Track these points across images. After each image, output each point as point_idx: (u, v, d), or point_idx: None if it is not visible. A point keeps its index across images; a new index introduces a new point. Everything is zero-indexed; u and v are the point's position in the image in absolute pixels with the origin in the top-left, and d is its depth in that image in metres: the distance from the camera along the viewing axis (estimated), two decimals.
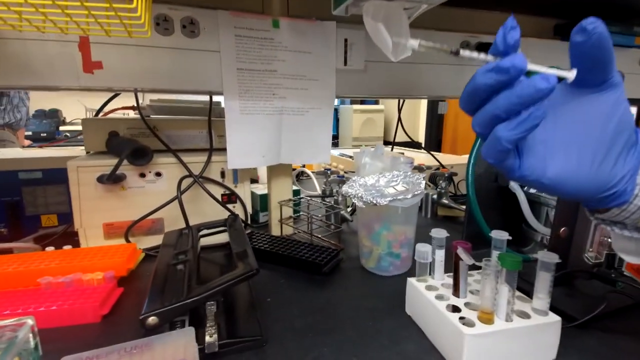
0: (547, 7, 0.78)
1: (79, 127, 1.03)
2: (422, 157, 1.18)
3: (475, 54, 0.27)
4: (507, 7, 0.77)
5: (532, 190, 0.61)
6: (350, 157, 1.25)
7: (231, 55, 0.58)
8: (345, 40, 0.66)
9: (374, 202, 0.52)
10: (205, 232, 0.57)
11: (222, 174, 0.65)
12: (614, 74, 0.27)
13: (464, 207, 0.87)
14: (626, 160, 0.27)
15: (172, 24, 0.54)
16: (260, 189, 0.84)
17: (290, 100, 0.64)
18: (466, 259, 0.37)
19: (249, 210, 0.68)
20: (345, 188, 0.57)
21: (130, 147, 0.56)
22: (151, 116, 0.74)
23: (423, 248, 0.44)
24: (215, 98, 0.69)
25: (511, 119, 0.25)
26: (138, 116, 0.65)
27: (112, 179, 0.57)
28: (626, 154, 0.27)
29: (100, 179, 0.56)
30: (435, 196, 0.88)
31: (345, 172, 1.20)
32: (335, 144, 3.07)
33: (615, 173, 0.27)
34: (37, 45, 0.50)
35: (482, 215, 0.61)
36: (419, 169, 0.93)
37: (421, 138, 3.11)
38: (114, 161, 0.57)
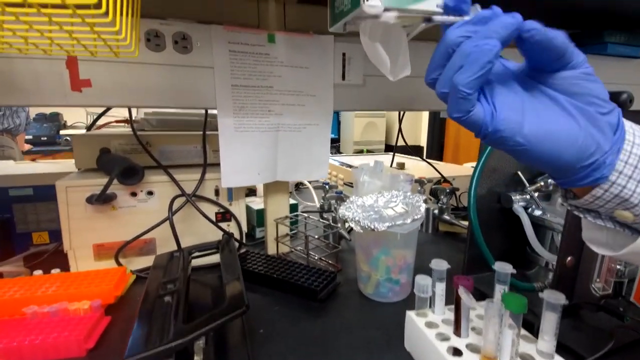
0: (554, 17, 0.76)
1: (81, 131, 1.02)
2: (423, 167, 1.16)
3: (445, 17, 0.28)
4: None
5: (536, 213, 0.58)
6: (350, 166, 1.23)
7: (225, 72, 0.56)
8: (344, 54, 0.64)
9: (372, 227, 0.50)
10: (197, 253, 0.55)
11: (217, 192, 0.63)
12: (574, 58, 0.26)
13: (465, 223, 0.85)
14: (605, 131, 0.26)
15: (163, 40, 0.53)
16: (257, 203, 0.82)
17: (286, 116, 0.62)
18: (467, 300, 0.35)
19: (244, 228, 0.66)
20: (342, 210, 0.55)
21: (120, 166, 0.55)
22: (145, 130, 0.72)
23: (423, 281, 0.42)
24: (212, 111, 0.67)
25: (465, 67, 0.25)
26: (130, 131, 0.63)
27: (102, 200, 0.55)
28: (603, 126, 0.27)
29: (90, 200, 0.55)
30: (436, 211, 0.86)
31: (344, 184, 1.19)
32: (336, 148, 3.05)
33: (595, 139, 0.26)
34: (23, 63, 0.48)
35: (485, 238, 0.59)
36: (420, 182, 0.91)
37: (423, 142, 3.09)
38: (104, 180, 0.55)
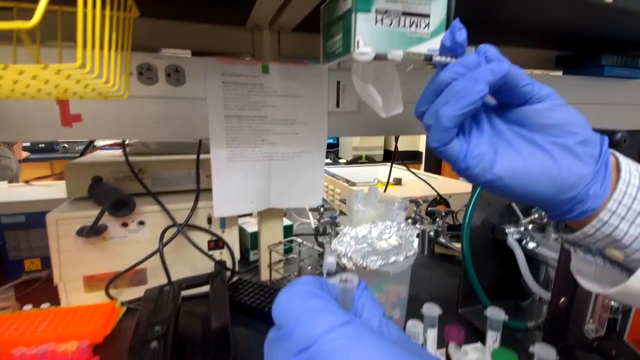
0: (548, 40, 0.76)
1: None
2: (420, 184, 1.16)
3: (441, 58, 0.30)
4: (508, 41, 0.75)
5: (531, 246, 0.58)
6: (348, 181, 1.22)
7: (218, 103, 0.55)
8: (338, 82, 0.64)
9: (364, 265, 0.50)
10: (187, 288, 0.55)
11: (209, 220, 0.63)
12: (536, 92, 0.27)
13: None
14: (584, 161, 0.26)
15: (155, 73, 0.52)
16: (252, 225, 0.82)
17: (280, 145, 0.62)
18: (458, 358, 0.35)
19: (237, 255, 0.65)
20: (335, 244, 0.54)
21: (111, 199, 0.54)
22: (139, 154, 0.71)
23: (414, 328, 0.41)
24: None
25: (452, 100, 0.26)
26: (123, 157, 0.63)
27: (93, 232, 0.54)
28: (582, 156, 0.26)
29: (80, 233, 0.54)
30: (432, 233, 0.85)
31: (340, 200, 1.18)
32: (335, 153, 3.04)
33: (573, 171, 0.26)
34: (12, 100, 0.48)
35: (480, 267, 0.59)
36: (416, 202, 0.91)
37: (422, 147, 3.08)
38: (96, 211, 0.55)
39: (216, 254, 0.64)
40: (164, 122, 0.54)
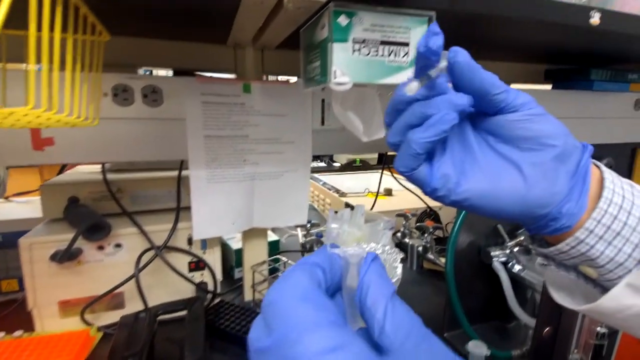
0: (537, 55, 0.75)
1: None
2: (410, 196, 1.15)
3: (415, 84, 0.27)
4: (497, 56, 0.74)
5: (516, 268, 0.57)
6: (338, 191, 1.21)
7: (197, 123, 0.54)
8: (323, 100, 0.62)
9: None
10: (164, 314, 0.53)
11: (190, 241, 0.61)
12: (510, 100, 0.25)
13: None
14: (558, 177, 0.25)
15: (132, 94, 0.51)
16: (237, 241, 0.80)
17: (263, 165, 0.60)
18: None
19: (219, 276, 0.64)
20: None
21: (85, 223, 0.53)
22: (119, 170, 0.70)
23: None
24: None
25: (422, 125, 0.25)
26: (101, 176, 0.61)
27: (66, 258, 0.53)
28: (556, 172, 0.25)
29: (54, 258, 0.52)
30: (420, 248, 0.85)
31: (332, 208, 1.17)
32: (329, 156, 3.03)
33: (545, 188, 0.25)
34: None
35: (466, 289, 0.58)
36: (404, 216, 0.90)
37: None
38: (71, 235, 0.53)
39: (197, 275, 0.63)
40: (142, 144, 0.53)
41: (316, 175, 1.49)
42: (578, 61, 0.80)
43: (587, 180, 0.26)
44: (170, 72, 0.60)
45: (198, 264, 0.62)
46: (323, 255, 0.23)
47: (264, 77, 0.62)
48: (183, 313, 0.55)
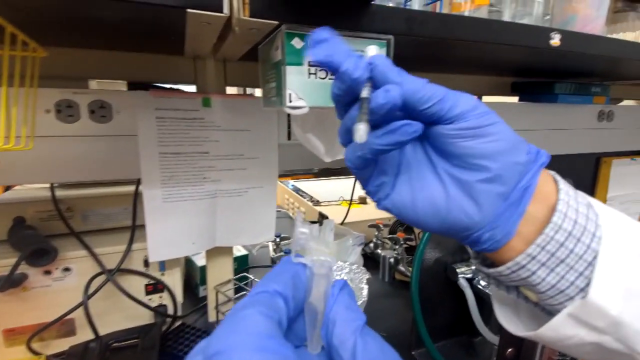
0: (504, 69, 0.76)
1: None
2: None
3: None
4: (464, 70, 0.74)
5: (482, 284, 0.57)
6: (312, 200, 1.19)
7: (151, 140, 0.51)
8: (289, 114, 0.60)
9: None
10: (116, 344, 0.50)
11: (146, 262, 0.58)
12: (445, 111, 0.23)
13: None
14: (480, 203, 0.23)
15: (77, 110, 0.47)
16: (202, 257, 0.77)
17: (225, 182, 0.58)
18: None
19: (179, 298, 0.61)
20: None
21: (28, 248, 0.49)
22: (72, 186, 0.65)
23: None
24: None
25: (382, 127, 0.23)
26: (50, 194, 0.57)
27: (9, 285, 0.49)
28: (479, 197, 0.23)
29: None
30: (392, 260, 0.84)
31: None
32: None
33: (465, 211, 0.23)
34: None
35: (433, 305, 0.57)
36: (377, 227, 0.89)
37: None
38: (14, 259, 0.49)
39: (156, 298, 0.59)
40: (90, 163, 0.49)
41: (292, 182, 1.47)
42: (544, 75, 0.81)
43: (523, 203, 0.23)
44: (123, 86, 0.56)
45: (156, 286, 0.59)
46: (286, 274, 0.21)
47: (227, 90, 0.60)
48: (135, 341, 0.52)
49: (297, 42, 0.34)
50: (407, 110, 0.23)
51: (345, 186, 1.44)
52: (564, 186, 0.24)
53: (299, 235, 0.22)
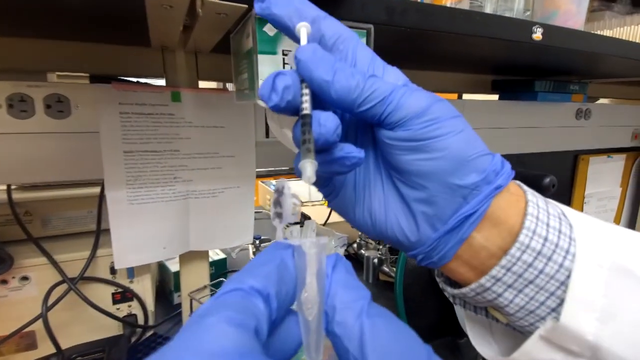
0: (484, 67, 0.75)
1: None
2: None
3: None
4: (444, 67, 0.73)
5: None
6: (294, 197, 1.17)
7: (114, 136, 0.47)
8: (266, 110, 0.57)
9: None
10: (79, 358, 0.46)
11: (113, 269, 0.54)
12: (385, 115, 0.20)
13: None
14: (420, 225, 0.21)
15: (31, 105, 0.43)
16: (176, 262, 0.73)
17: (198, 182, 0.54)
18: None
19: (150, 307, 0.57)
20: None
21: None
22: (32, 188, 0.60)
23: None
24: None
25: (321, 154, 0.20)
26: (6, 196, 0.52)
27: None
28: (418, 217, 0.22)
29: None
30: (376, 260, 0.82)
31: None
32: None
33: (403, 229, 0.22)
34: None
35: (419, 307, 0.56)
36: None
37: None
38: None
39: (124, 307, 0.55)
40: (48, 162, 0.45)
41: (274, 182, 1.44)
42: (524, 73, 0.81)
43: (464, 230, 0.21)
44: (86, 80, 0.52)
45: (124, 295, 0.55)
46: (270, 264, 0.16)
47: (200, 84, 0.56)
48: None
49: (269, 29, 0.31)
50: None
51: None
52: (533, 198, 0.22)
53: (290, 207, 0.18)
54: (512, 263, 0.21)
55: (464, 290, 0.23)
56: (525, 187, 0.23)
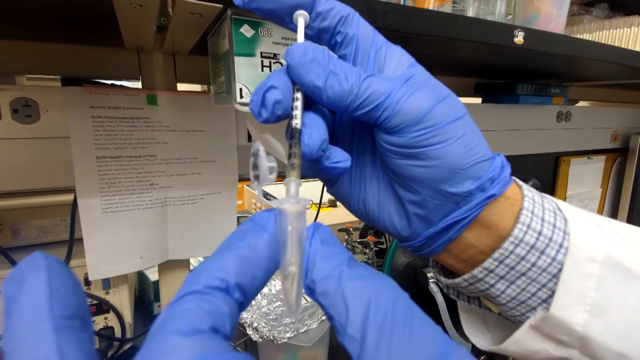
0: (467, 70, 0.76)
1: None
2: None
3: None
4: (429, 69, 0.73)
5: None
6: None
7: (86, 142, 0.45)
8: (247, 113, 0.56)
9: (272, 337, 0.43)
10: None
11: (87, 280, 0.52)
12: (383, 118, 0.19)
13: None
14: (411, 222, 0.22)
15: None
16: (155, 270, 0.71)
17: (176, 188, 0.52)
18: None
19: (128, 319, 0.55)
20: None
21: None
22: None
23: None
24: None
25: (316, 161, 0.20)
26: None
27: None
28: (410, 216, 0.22)
29: None
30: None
31: None
32: None
33: (394, 223, 0.23)
34: None
35: None
36: (347, 231, 0.86)
37: None
38: None
39: (100, 319, 0.53)
40: (15, 170, 0.43)
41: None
42: (506, 76, 0.82)
43: (452, 232, 0.22)
44: (57, 82, 0.50)
45: (100, 307, 0.53)
46: (240, 243, 0.15)
47: (179, 87, 0.55)
48: None
49: (247, 30, 0.30)
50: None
51: (315, 189, 1.42)
52: (528, 192, 0.22)
53: (266, 168, 0.17)
54: (505, 256, 0.21)
55: (456, 280, 0.23)
56: (520, 183, 0.24)
